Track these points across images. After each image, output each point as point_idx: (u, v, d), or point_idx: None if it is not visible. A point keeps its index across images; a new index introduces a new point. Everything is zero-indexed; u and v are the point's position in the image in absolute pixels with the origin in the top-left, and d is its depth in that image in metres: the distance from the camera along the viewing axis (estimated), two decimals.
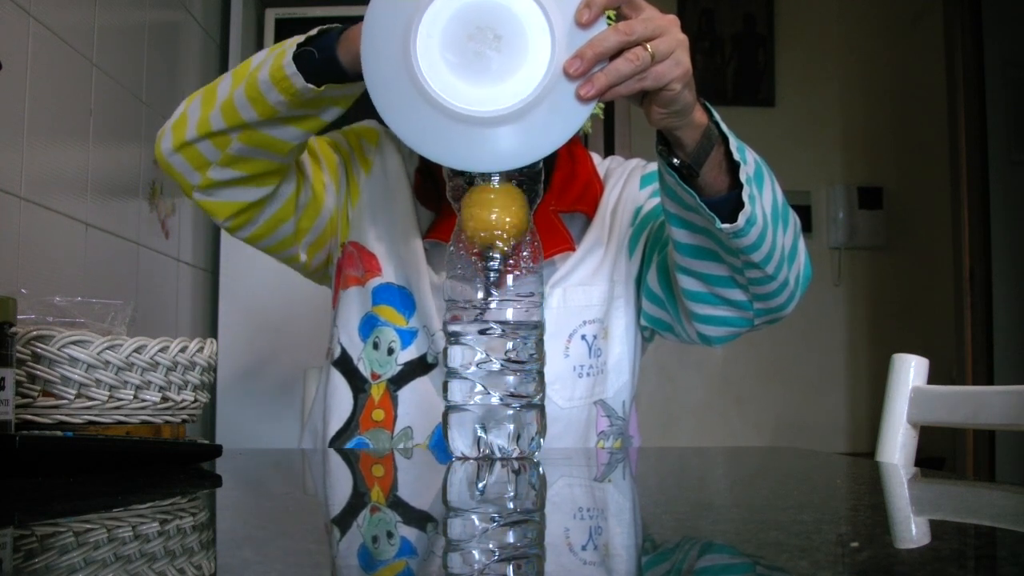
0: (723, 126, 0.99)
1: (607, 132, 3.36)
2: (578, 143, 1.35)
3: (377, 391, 1.18)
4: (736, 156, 0.98)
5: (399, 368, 1.18)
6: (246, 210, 1.14)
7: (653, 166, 1.30)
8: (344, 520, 0.64)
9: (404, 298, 1.20)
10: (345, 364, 1.21)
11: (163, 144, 1.09)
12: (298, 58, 0.99)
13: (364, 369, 1.19)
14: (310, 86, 0.98)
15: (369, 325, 1.21)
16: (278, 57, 1.01)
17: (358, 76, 0.94)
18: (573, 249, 1.22)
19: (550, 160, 1.25)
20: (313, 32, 1.02)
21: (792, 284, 1.09)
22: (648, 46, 0.88)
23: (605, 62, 0.87)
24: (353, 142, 1.29)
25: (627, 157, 1.38)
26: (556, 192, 1.25)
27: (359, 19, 0.93)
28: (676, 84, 0.90)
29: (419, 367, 1.18)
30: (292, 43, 1.01)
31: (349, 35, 0.98)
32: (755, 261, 1.03)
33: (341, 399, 1.19)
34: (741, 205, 0.98)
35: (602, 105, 1.24)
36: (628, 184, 1.29)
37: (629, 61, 0.87)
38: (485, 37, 0.86)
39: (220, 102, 1.05)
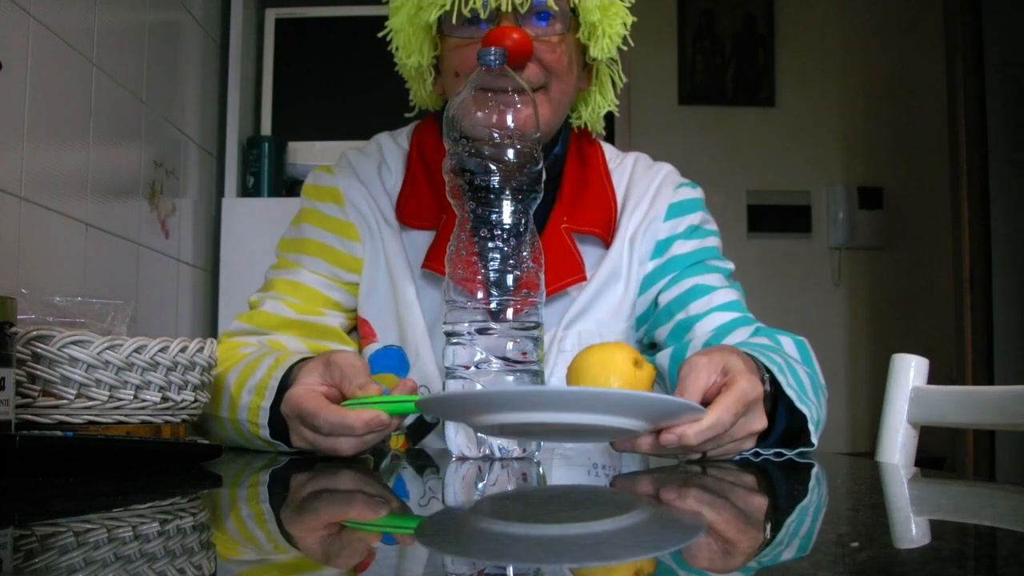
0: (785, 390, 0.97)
1: (607, 130, 3.35)
2: (593, 142, 1.26)
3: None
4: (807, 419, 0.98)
5: (402, 432, 1.16)
6: None
7: (685, 192, 1.23)
8: (343, 520, 0.64)
9: (400, 359, 1.15)
10: None
11: None
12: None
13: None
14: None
15: None
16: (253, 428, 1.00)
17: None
18: (585, 278, 1.16)
19: (558, 164, 1.19)
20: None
21: None
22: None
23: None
24: (322, 223, 1.20)
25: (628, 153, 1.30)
26: (567, 204, 1.18)
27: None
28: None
29: (420, 428, 1.15)
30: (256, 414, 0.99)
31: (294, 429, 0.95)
32: None
33: None
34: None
35: (616, 102, 1.21)
36: (653, 207, 1.21)
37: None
38: None
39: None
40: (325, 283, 1.19)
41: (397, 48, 1.15)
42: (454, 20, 1.07)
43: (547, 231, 1.16)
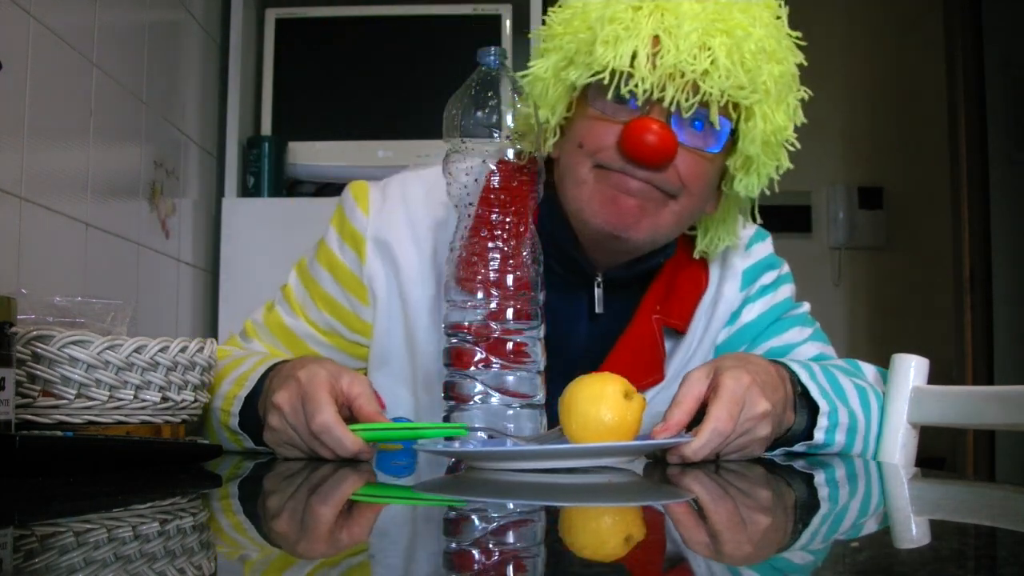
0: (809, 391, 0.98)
1: None
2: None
3: None
4: (821, 407, 0.98)
5: None
6: None
7: (757, 252, 1.15)
8: (342, 520, 0.64)
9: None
10: None
11: None
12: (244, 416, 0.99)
13: None
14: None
15: None
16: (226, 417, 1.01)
17: None
18: (662, 378, 1.08)
19: (659, 256, 1.07)
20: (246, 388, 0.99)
21: None
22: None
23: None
24: (337, 273, 1.09)
25: None
26: (662, 291, 1.09)
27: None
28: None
29: None
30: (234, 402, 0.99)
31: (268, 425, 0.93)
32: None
33: None
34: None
35: None
36: (725, 283, 1.12)
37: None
38: None
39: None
40: (323, 342, 1.11)
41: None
42: (609, 95, 0.93)
43: (636, 323, 1.07)
